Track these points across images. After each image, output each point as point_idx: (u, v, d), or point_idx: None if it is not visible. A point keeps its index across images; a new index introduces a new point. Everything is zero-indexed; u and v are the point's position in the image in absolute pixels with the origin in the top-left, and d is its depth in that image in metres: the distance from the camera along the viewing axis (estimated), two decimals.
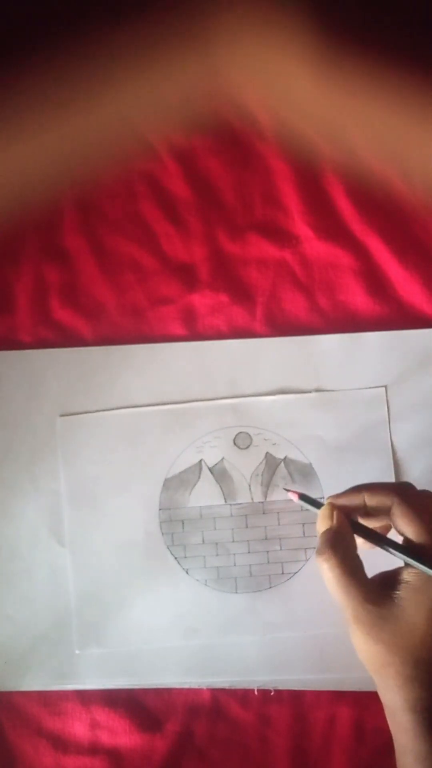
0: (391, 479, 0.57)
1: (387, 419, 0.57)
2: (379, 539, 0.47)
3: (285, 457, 0.57)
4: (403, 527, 0.46)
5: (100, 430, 0.58)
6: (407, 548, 0.46)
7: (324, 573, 0.46)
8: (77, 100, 0.57)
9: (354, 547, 0.47)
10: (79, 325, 0.60)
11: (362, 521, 0.48)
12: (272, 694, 0.55)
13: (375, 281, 0.60)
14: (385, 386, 0.58)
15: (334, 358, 0.58)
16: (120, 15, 0.56)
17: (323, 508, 0.49)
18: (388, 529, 0.49)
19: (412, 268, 0.60)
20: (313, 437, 0.57)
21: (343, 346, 0.58)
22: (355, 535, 0.48)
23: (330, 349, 0.58)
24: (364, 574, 0.46)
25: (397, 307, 0.60)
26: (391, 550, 0.46)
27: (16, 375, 0.58)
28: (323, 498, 0.56)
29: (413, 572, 0.45)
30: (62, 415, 0.58)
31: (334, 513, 0.48)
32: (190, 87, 0.58)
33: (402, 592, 0.45)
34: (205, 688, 0.56)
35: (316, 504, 0.49)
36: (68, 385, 0.58)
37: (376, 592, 0.45)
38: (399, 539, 0.47)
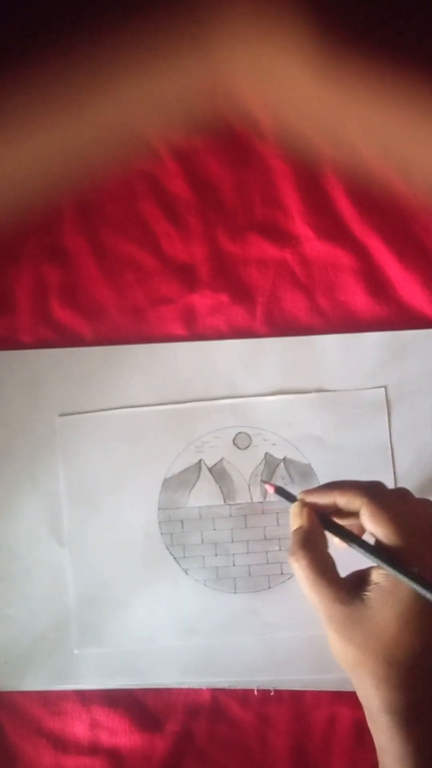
0: (391, 480, 0.56)
1: (387, 420, 0.57)
2: (350, 538, 0.47)
3: (284, 458, 0.57)
4: (372, 528, 0.46)
5: (100, 430, 0.58)
6: (376, 549, 0.46)
7: (296, 572, 0.46)
8: (77, 100, 0.57)
9: (325, 546, 0.47)
10: (79, 325, 0.60)
11: (338, 519, 0.48)
12: (272, 694, 0.55)
13: (375, 281, 0.60)
14: (385, 386, 0.58)
15: (334, 358, 0.58)
16: (120, 15, 0.56)
17: (294, 505, 0.49)
18: (361, 530, 0.48)
19: (412, 268, 0.60)
20: (312, 437, 0.57)
21: (343, 346, 0.58)
22: (330, 533, 0.48)
23: (330, 349, 0.58)
24: (336, 574, 0.46)
25: (397, 307, 0.59)
26: (363, 552, 0.46)
27: (16, 375, 0.58)
28: None
29: (383, 573, 0.45)
30: (62, 415, 0.58)
31: (304, 511, 0.48)
32: (190, 87, 0.58)
33: (372, 593, 0.45)
34: (204, 688, 0.56)
35: (291, 498, 0.50)
36: (68, 385, 0.58)
37: (348, 592, 0.45)
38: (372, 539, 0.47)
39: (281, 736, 0.55)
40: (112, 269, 0.60)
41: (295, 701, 0.56)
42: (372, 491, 0.47)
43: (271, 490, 0.51)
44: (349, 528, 0.48)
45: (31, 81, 0.56)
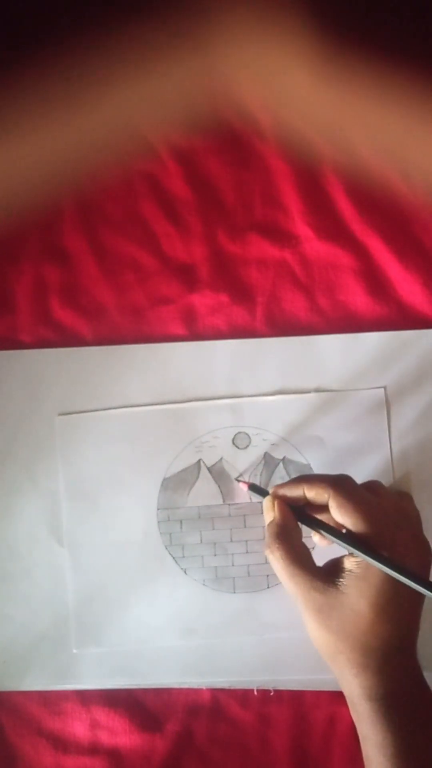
0: (390, 480, 0.56)
1: (386, 420, 0.57)
2: (322, 528, 0.48)
3: (284, 458, 0.57)
4: (339, 518, 0.47)
5: (99, 430, 0.58)
6: (347, 536, 0.47)
7: (272, 564, 0.47)
8: (77, 100, 0.57)
9: (299, 536, 0.49)
10: (79, 325, 0.60)
11: (315, 513, 0.49)
12: (272, 694, 0.55)
13: (375, 281, 0.60)
14: (385, 387, 0.58)
15: (334, 358, 0.58)
16: (120, 15, 0.56)
17: (266, 499, 0.50)
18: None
19: (412, 268, 0.59)
20: (312, 437, 0.57)
21: (343, 346, 0.58)
22: (304, 525, 0.49)
23: (330, 349, 0.58)
24: (312, 563, 0.47)
25: (397, 307, 0.59)
26: (334, 539, 0.47)
27: (16, 375, 0.58)
28: None
29: (355, 560, 0.46)
30: (61, 415, 0.58)
31: (276, 504, 0.49)
32: (190, 87, 0.58)
33: (345, 580, 0.46)
34: (204, 688, 0.56)
35: (264, 494, 0.51)
36: (68, 384, 0.58)
37: (323, 581, 0.46)
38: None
39: (281, 736, 0.55)
40: (112, 269, 0.60)
41: (295, 701, 0.56)
42: (338, 483, 0.48)
43: (245, 488, 0.53)
44: (325, 521, 0.49)
45: (31, 81, 0.56)
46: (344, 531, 0.47)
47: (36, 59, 0.56)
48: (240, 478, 0.57)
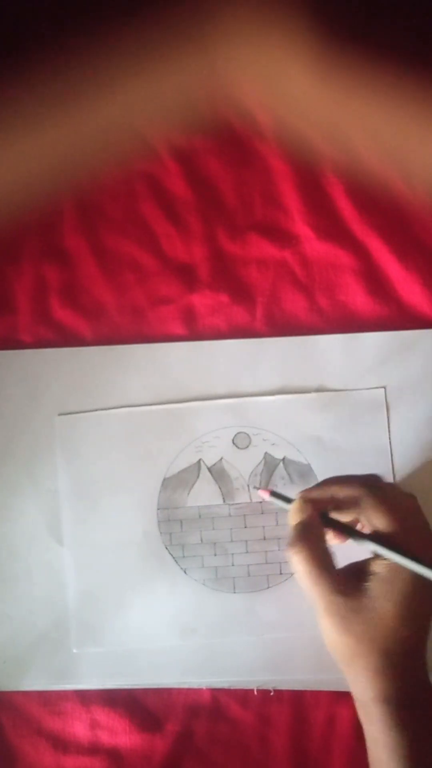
0: (390, 480, 0.56)
1: (386, 420, 0.57)
2: (350, 532, 0.48)
3: (284, 458, 0.57)
4: (372, 518, 0.47)
5: (100, 429, 0.58)
6: (377, 537, 0.46)
7: (295, 565, 0.47)
8: (77, 101, 0.57)
9: (324, 539, 0.48)
10: (79, 325, 0.60)
11: (333, 514, 0.49)
12: (272, 694, 0.55)
13: (375, 281, 0.60)
14: (385, 387, 0.58)
15: (334, 358, 0.58)
16: (120, 15, 0.56)
17: (295, 502, 0.49)
18: (356, 522, 0.50)
19: (412, 268, 0.59)
20: (312, 438, 0.57)
21: (343, 346, 0.58)
22: (326, 529, 0.49)
23: (330, 349, 0.58)
24: (334, 566, 0.47)
25: (397, 307, 0.59)
26: (365, 541, 0.47)
27: (16, 374, 0.58)
28: None
29: (382, 563, 0.46)
30: (61, 414, 0.58)
31: (306, 506, 0.49)
32: (190, 87, 0.58)
33: (371, 584, 0.46)
34: (204, 688, 0.56)
35: (287, 500, 0.50)
36: (68, 384, 0.58)
37: (346, 584, 0.46)
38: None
39: (281, 736, 0.55)
40: (112, 269, 0.60)
41: (295, 701, 0.56)
42: (370, 484, 0.48)
43: (266, 495, 0.52)
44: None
45: (31, 81, 0.56)
46: (372, 531, 0.47)
47: (36, 59, 0.56)
48: (259, 487, 0.57)
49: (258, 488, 0.54)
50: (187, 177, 0.61)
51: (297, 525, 0.48)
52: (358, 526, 0.50)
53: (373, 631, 0.45)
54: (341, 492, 0.48)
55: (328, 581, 0.46)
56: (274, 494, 0.51)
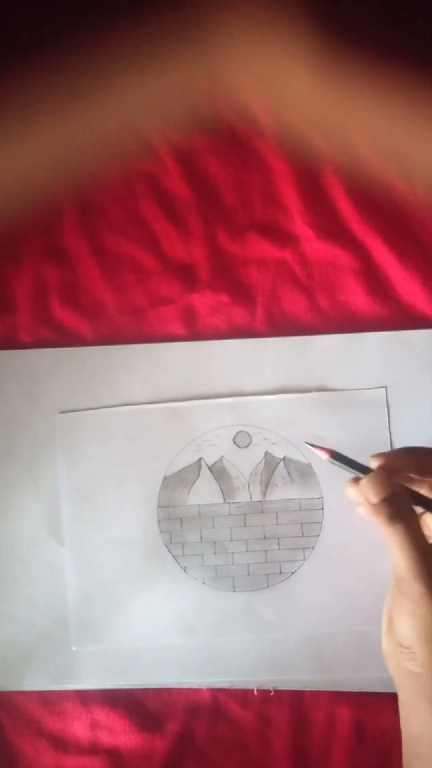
0: None
1: (387, 420, 0.57)
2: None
3: (284, 457, 0.57)
4: None
5: (100, 428, 0.58)
6: None
7: (395, 545, 0.45)
8: (77, 100, 0.57)
9: (417, 516, 0.47)
10: (79, 325, 0.60)
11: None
12: (272, 694, 0.55)
13: (375, 281, 0.60)
14: (385, 387, 0.58)
15: (334, 358, 0.58)
16: (120, 15, 0.56)
17: (374, 473, 0.46)
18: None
19: (412, 268, 0.60)
20: (312, 437, 0.57)
21: (343, 346, 0.58)
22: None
23: (330, 349, 0.58)
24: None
25: (397, 307, 0.59)
26: None
27: (16, 375, 0.58)
28: (322, 498, 0.57)
29: None
30: (62, 412, 0.58)
31: (389, 480, 0.46)
32: (190, 87, 0.58)
33: None
34: (204, 687, 0.56)
35: (356, 466, 0.48)
36: (68, 384, 0.58)
37: None
38: None
39: (281, 736, 0.55)
40: (112, 269, 0.60)
41: (295, 701, 0.55)
42: None
43: (325, 455, 0.49)
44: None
45: (31, 81, 0.56)
46: None
47: (36, 59, 0.56)
48: (311, 442, 0.53)
49: (311, 444, 0.51)
50: (187, 177, 0.61)
51: (388, 501, 0.45)
52: None
53: None
54: (419, 463, 0.47)
55: (429, 564, 0.44)
56: (336, 455, 0.49)
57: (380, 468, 0.47)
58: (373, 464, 0.48)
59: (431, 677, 0.44)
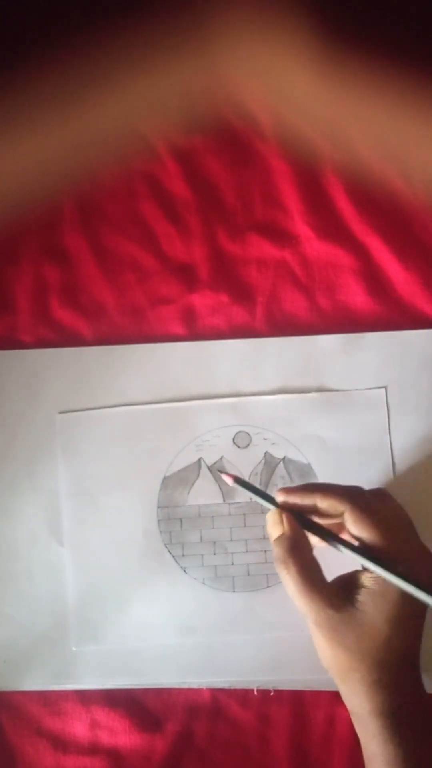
0: (390, 481, 0.56)
1: (387, 420, 0.57)
2: (336, 540, 0.47)
3: (284, 457, 0.57)
4: (357, 532, 0.46)
5: (100, 428, 0.58)
6: (364, 551, 0.46)
7: (285, 580, 0.47)
8: (77, 100, 0.57)
9: (310, 551, 0.48)
10: (79, 325, 0.60)
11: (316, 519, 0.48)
12: (272, 694, 0.55)
13: (375, 281, 0.60)
14: (385, 387, 0.58)
15: (334, 358, 0.58)
16: (120, 15, 0.56)
17: (271, 513, 0.48)
18: (341, 528, 0.48)
19: (412, 268, 0.59)
20: (312, 437, 0.57)
21: (343, 346, 0.58)
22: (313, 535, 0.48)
23: (330, 349, 0.58)
24: (324, 579, 0.47)
25: (397, 307, 0.59)
26: (348, 552, 0.46)
27: (16, 375, 0.58)
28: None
29: (371, 576, 0.45)
30: (62, 412, 0.58)
31: (285, 518, 0.48)
32: (190, 87, 0.58)
33: (362, 597, 0.45)
34: (204, 687, 0.56)
35: (263, 496, 0.49)
36: (68, 384, 0.58)
37: (337, 598, 0.46)
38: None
39: (281, 736, 0.55)
40: (112, 269, 0.60)
41: (295, 701, 0.55)
42: (354, 496, 0.47)
43: (229, 480, 0.50)
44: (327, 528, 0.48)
45: (32, 81, 0.56)
46: (357, 544, 0.47)
47: (36, 59, 0.56)
48: (222, 470, 0.56)
49: (221, 472, 0.52)
50: (187, 177, 0.61)
51: (282, 538, 0.47)
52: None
53: (366, 644, 0.45)
54: (324, 502, 0.47)
55: (319, 596, 0.45)
56: (239, 481, 0.50)
57: (275, 510, 0.48)
58: (278, 499, 0.49)
59: (365, 698, 0.45)
